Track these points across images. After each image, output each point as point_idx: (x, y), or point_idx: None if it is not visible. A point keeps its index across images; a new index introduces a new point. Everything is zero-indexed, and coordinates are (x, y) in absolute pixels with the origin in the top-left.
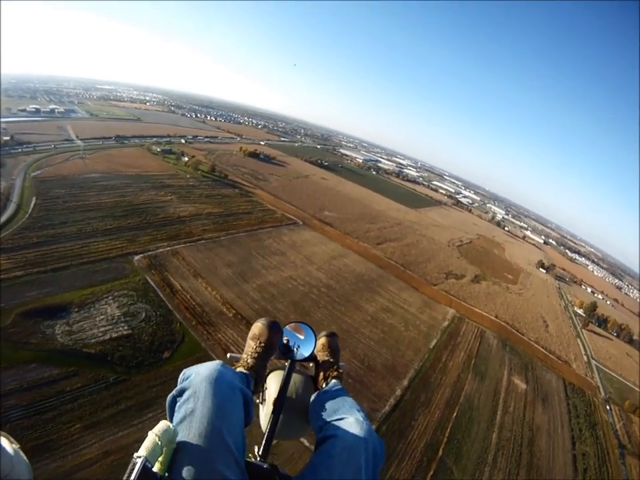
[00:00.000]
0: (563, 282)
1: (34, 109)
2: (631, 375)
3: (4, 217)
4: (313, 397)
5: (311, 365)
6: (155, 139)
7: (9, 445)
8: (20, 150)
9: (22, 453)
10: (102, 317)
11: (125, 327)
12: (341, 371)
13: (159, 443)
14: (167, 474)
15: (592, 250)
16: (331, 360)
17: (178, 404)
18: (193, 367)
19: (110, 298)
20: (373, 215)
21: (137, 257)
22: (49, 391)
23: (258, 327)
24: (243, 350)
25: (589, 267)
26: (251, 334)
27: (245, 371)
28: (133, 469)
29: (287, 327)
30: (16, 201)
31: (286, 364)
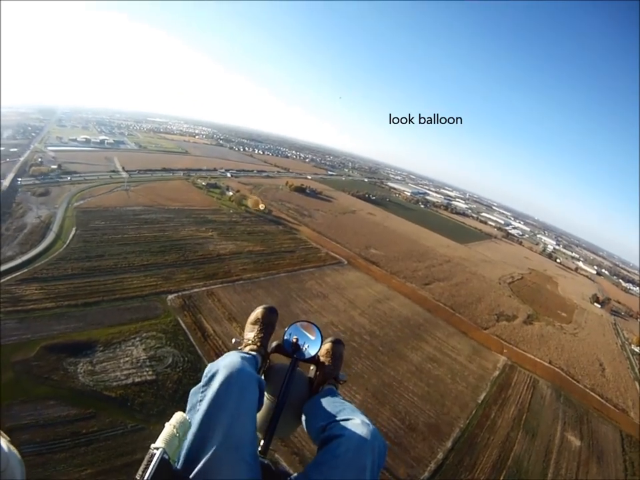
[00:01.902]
0: (619, 316)
1: (84, 139)
2: None
3: (42, 246)
4: (309, 398)
5: (312, 367)
6: (200, 172)
7: (4, 441)
8: (67, 179)
9: (15, 450)
10: (127, 358)
11: (150, 372)
12: (339, 380)
13: (177, 434)
14: (179, 464)
15: None
16: (333, 366)
17: (200, 394)
18: (216, 361)
19: (137, 339)
20: (421, 252)
21: (170, 296)
22: (64, 430)
23: (259, 311)
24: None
25: None
26: (252, 318)
27: (254, 353)
28: (151, 460)
29: (296, 324)
30: (55, 231)
31: (289, 361)
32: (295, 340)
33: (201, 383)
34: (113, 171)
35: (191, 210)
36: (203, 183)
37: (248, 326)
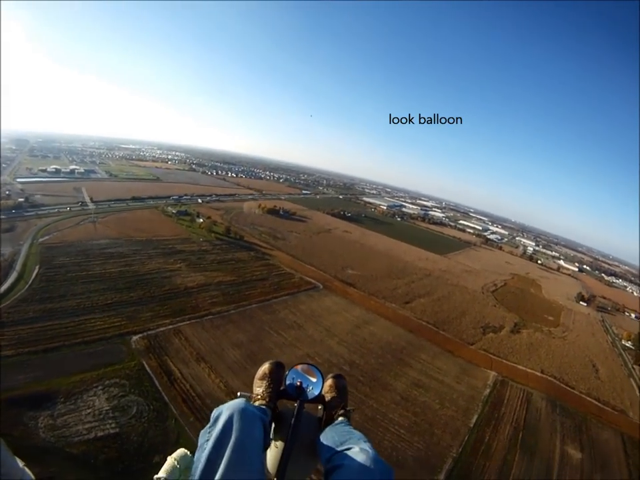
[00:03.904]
0: (605, 312)
1: (54, 169)
2: None
3: (4, 287)
4: (320, 435)
5: (320, 407)
6: (171, 200)
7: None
8: (34, 213)
9: (30, 473)
10: (89, 410)
11: (113, 425)
12: (348, 409)
13: (178, 466)
14: None
15: (627, 268)
16: (338, 400)
17: (207, 435)
18: (221, 405)
19: (100, 387)
20: (399, 268)
21: (135, 337)
22: None
23: (266, 367)
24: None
25: (627, 289)
26: (259, 374)
27: (263, 406)
28: None
29: (295, 368)
30: (18, 270)
31: (295, 404)
32: (299, 383)
33: (208, 424)
34: (81, 202)
35: (159, 240)
36: (173, 211)
37: (256, 382)
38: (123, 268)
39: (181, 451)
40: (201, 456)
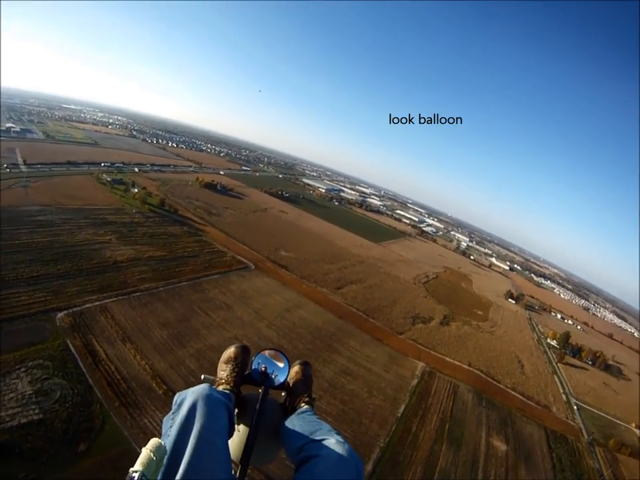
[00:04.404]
0: (533, 311)
1: None
2: (611, 407)
3: None
4: (284, 422)
5: (283, 393)
6: (108, 167)
7: None
8: None
9: None
10: (11, 395)
11: (36, 411)
12: (313, 397)
13: (154, 457)
14: None
15: (556, 271)
16: (303, 387)
17: (171, 421)
18: (185, 390)
19: (22, 370)
20: (333, 253)
21: (60, 314)
22: None
23: (232, 350)
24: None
25: (555, 290)
26: (224, 358)
27: (227, 391)
28: None
29: (262, 353)
30: None
31: (260, 390)
32: (263, 369)
33: (171, 411)
34: (13, 164)
35: (91, 210)
36: (108, 179)
37: (221, 365)
38: (51, 238)
39: (155, 441)
40: (167, 443)
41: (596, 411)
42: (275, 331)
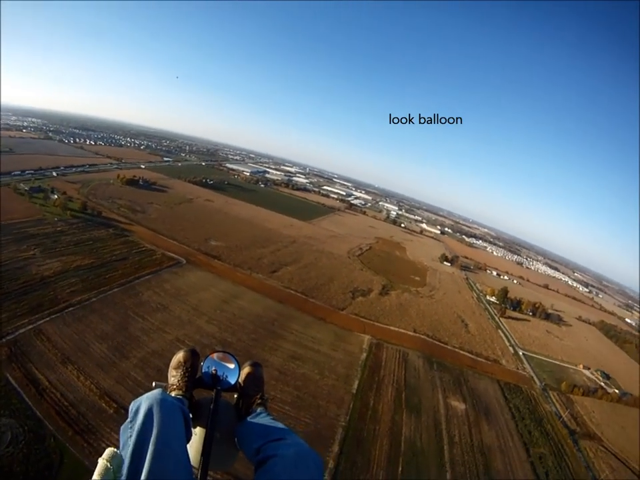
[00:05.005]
0: (469, 271)
1: None
2: (556, 352)
3: None
4: (240, 424)
5: (235, 395)
6: (25, 174)
7: None
8: None
9: None
10: None
11: None
12: (265, 397)
13: (110, 467)
14: None
15: (486, 231)
16: (255, 388)
17: (129, 430)
18: (139, 397)
19: None
20: (264, 236)
21: None
22: None
23: (180, 355)
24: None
25: (487, 249)
26: (174, 363)
27: (180, 396)
28: None
29: (211, 356)
30: None
31: (212, 393)
32: (214, 371)
33: (128, 419)
34: None
35: (11, 224)
36: (26, 188)
37: (171, 371)
38: None
39: (110, 450)
40: (127, 453)
41: (544, 358)
42: (216, 326)
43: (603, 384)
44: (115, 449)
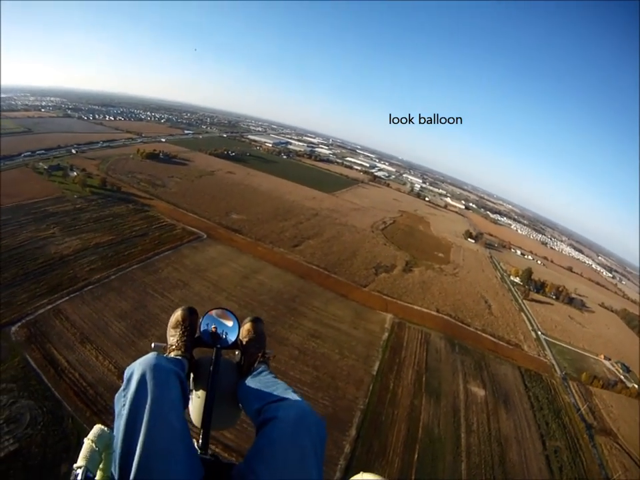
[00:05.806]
0: (493, 249)
1: None
2: (578, 340)
3: None
4: (241, 383)
5: (237, 352)
6: (43, 153)
7: None
8: None
9: None
10: None
11: (11, 441)
12: (267, 356)
13: (97, 448)
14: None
15: (510, 207)
16: (257, 345)
17: (123, 399)
18: (133, 362)
19: None
20: (286, 208)
21: (14, 328)
22: None
23: (178, 314)
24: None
25: (512, 227)
26: (172, 322)
27: (180, 357)
28: None
29: (210, 313)
30: None
31: (212, 352)
32: (213, 329)
33: (122, 387)
34: None
35: (30, 204)
36: (45, 167)
37: (169, 330)
38: None
39: (97, 428)
40: (120, 424)
41: (565, 345)
42: (235, 302)
43: (622, 377)
44: (102, 427)
